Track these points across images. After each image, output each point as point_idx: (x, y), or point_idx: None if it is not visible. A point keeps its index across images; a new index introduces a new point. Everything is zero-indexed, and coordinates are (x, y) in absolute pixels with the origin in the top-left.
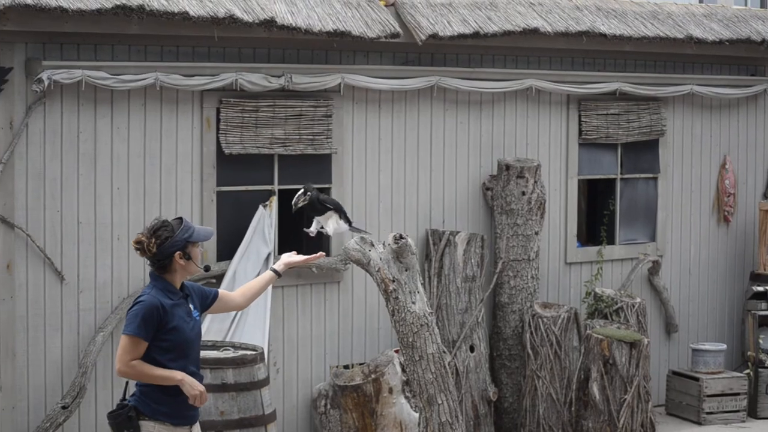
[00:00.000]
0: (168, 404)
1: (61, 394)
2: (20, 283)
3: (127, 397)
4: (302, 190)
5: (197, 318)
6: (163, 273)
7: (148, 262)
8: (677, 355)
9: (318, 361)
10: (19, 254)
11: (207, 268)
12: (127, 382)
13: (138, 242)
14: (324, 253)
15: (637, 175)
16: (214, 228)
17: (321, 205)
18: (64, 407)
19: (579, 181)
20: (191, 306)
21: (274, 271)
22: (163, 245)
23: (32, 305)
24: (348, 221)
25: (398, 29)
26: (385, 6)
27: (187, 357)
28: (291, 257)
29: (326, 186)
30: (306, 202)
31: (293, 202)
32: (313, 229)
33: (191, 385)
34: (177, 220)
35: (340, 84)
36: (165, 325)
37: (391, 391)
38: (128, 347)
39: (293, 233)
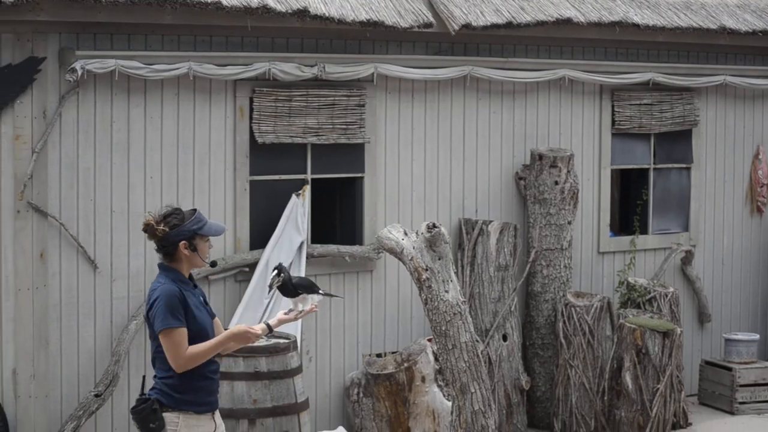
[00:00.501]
0: (190, 392)
1: (94, 383)
2: (53, 272)
3: (145, 391)
4: (275, 272)
5: (208, 307)
6: (170, 262)
7: (155, 247)
8: (710, 345)
9: (351, 349)
10: (53, 243)
11: (213, 264)
12: (144, 377)
13: (146, 224)
14: (316, 305)
15: (670, 165)
16: (247, 220)
17: (292, 287)
18: (97, 395)
19: (612, 170)
20: (201, 298)
21: (268, 325)
22: (170, 232)
23: (65, 294)
24: (319, 292)
25: (431, 19)
26: None
27: None
28: (285, 315)
29: (359, 175)
30: (279, 284)
31: (268, 284)
32: (292, 311)
33: (244, 333)
34: (191, 210)
35: (373, 74)
36: (185, 312)
37: (423, 379)
38: (175, 340)
39: (326, 222)
